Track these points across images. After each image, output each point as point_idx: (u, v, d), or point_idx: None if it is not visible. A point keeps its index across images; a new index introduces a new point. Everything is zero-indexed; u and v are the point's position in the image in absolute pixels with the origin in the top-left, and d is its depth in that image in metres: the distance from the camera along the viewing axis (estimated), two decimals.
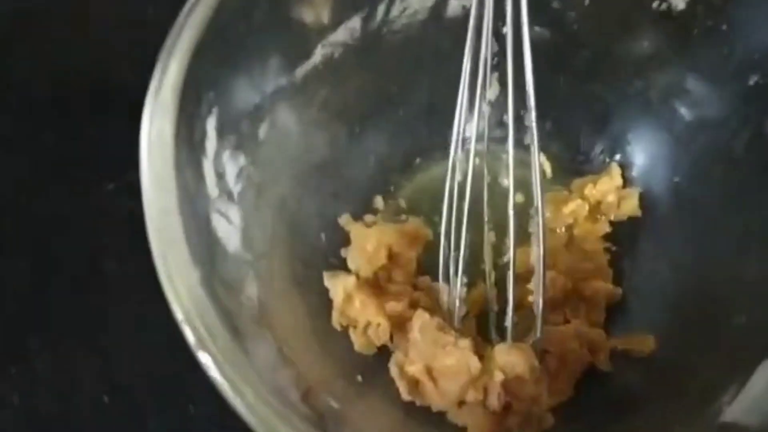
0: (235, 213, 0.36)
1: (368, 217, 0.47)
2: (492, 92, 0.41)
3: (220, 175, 0.35)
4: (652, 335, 0.43)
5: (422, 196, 0.48)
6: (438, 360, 0.39)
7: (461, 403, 0.39)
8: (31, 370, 0.45)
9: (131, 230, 0.46)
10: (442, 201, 0.43)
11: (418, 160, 0.49)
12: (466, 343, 0.40)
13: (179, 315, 0.28)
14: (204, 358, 0.27)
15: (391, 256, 0.44)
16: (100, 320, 0.46)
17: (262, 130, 0.39)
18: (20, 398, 0.44)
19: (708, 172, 0.44)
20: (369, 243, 0.43)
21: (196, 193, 0.33)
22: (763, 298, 0.38)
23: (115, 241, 0.47)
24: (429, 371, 0.40)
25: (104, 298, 0.46)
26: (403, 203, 0.49)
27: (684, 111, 0.44)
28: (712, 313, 0.41)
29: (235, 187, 0.37)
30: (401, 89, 0.48)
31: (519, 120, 0.41)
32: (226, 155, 0.36)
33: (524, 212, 0.41)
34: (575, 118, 0.48)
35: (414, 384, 0.41)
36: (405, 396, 0.40)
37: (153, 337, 0.45)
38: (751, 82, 0.40)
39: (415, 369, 0.40)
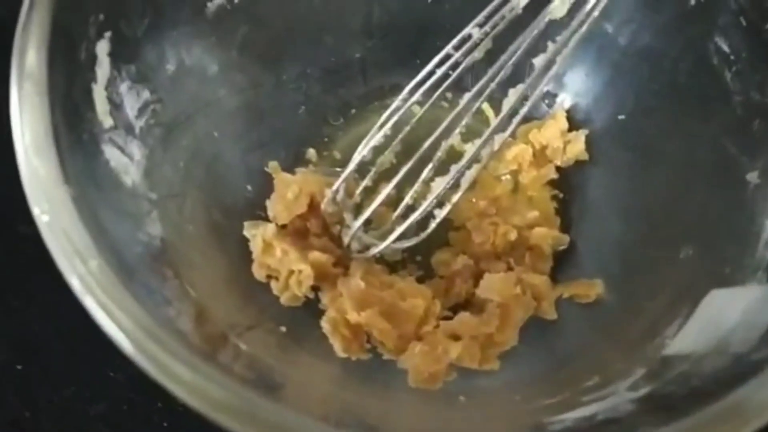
0: (135, 148, 0.33)
1: (300, 171, 0.44)
2: None
3: (117, 106, 0.33)
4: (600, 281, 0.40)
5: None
6: (390, 302, 0.38)
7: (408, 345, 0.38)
8: None
9: None
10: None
11: (353, 111, 0.47)
12: (411, 279, 0.39)
13: (45, 234, 0.25)
14: (73, 280, 0.25)
15: (312, 207, 0.41)
16: (11, 281, 0.43)
17: (171, 66, 0.37)
18: None
19: (652, 105, 0.41)
20: (290, 190, 0.40)
21: (80, 118, 0.30)
22: (707, 226, 0.36)
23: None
24: (384, 314, 0.37)
25: (15, 259, 0.43)
26: (338, 155, 0.46)
27: (621, 39, 0.41)
28: (659, 251, 0.39)
29: (137, 122, 0.34)
30: (334, 36, 0.45)
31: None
32: (123, 86, 0.33)
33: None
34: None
35: (351, 338, 0.38)
36: (340, 353, 0.38)
37: (68, 298, 0.42)
38: (692, 2, 0.37)
39: (363, 317, 0.37)
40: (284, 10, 0.42)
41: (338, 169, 0.45)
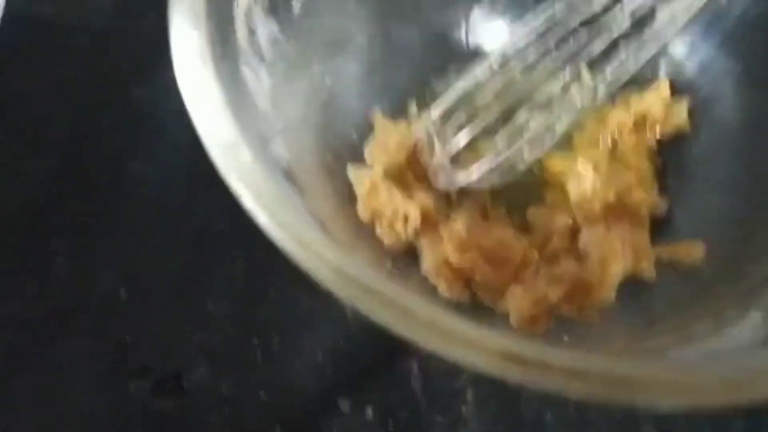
0: (265, 75, 0.35)
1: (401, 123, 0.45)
2: None
3: (252, 32, 0.34)
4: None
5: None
6: (490, 247, 0.39)
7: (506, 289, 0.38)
8: (48, 264, 0.43)
9: (157, 131, 0.46)
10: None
11: (454, 74, 0.47)
12: (509, 229, 0.40)
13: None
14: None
15: (410, 161, 0.42)
16: (119, 216, 0.44)
17: (297, 4, 0.38)
18: (39, 291, 0.43)
19: (764, 75, 0.41)
20: (392, 138, 0.41)
21: (226, 34, 0.31)
22: None
23: (140, 141, 0.46)
24: (485, 259, 0.38)
25: (124, 196, 0.45)
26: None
27: (735, 8, 0.41)
28: None
29: (267, 52, 0.35)
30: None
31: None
32: (258, 14, 0.35)
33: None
34: None
35: (453, 280, 0.39)
36: (445, 293, 0.39)
37: (174, 235, 0.44)
38: None
39: (466, 259, 0.38)
40: None
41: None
